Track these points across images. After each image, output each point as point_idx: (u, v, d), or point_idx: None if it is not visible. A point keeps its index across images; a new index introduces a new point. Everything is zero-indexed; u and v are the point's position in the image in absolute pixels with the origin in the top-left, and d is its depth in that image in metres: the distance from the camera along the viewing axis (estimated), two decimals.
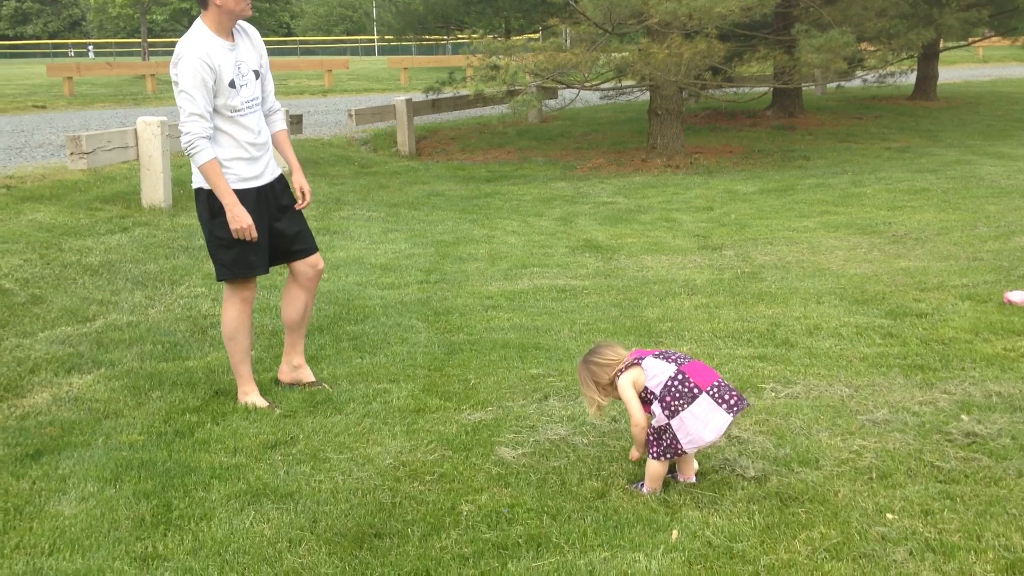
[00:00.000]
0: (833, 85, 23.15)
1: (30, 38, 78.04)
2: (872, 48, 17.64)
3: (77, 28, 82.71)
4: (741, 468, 3.80)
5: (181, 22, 52.52)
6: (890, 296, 6.45)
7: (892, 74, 19.39)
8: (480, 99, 16.64)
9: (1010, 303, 6.07)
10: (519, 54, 14.13)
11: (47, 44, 71.67)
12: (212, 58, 4.40)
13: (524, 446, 4.11)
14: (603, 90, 16.56)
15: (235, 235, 4.53)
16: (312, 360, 5.41)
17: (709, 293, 6.77)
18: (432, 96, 17.08)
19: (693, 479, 3.76)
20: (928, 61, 23.06)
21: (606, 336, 5.77)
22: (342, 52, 70.05)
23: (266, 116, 4.83)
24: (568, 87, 15.23)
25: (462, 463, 3.96)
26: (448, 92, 16.77)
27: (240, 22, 4.61)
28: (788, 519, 3.39)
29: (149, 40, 54.70)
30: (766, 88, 18.71)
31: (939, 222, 9.06)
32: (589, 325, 6.04)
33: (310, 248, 4.96)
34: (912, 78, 22.82)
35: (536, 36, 23.41)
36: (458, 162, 15.81)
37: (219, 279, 4.80)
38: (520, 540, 3.30)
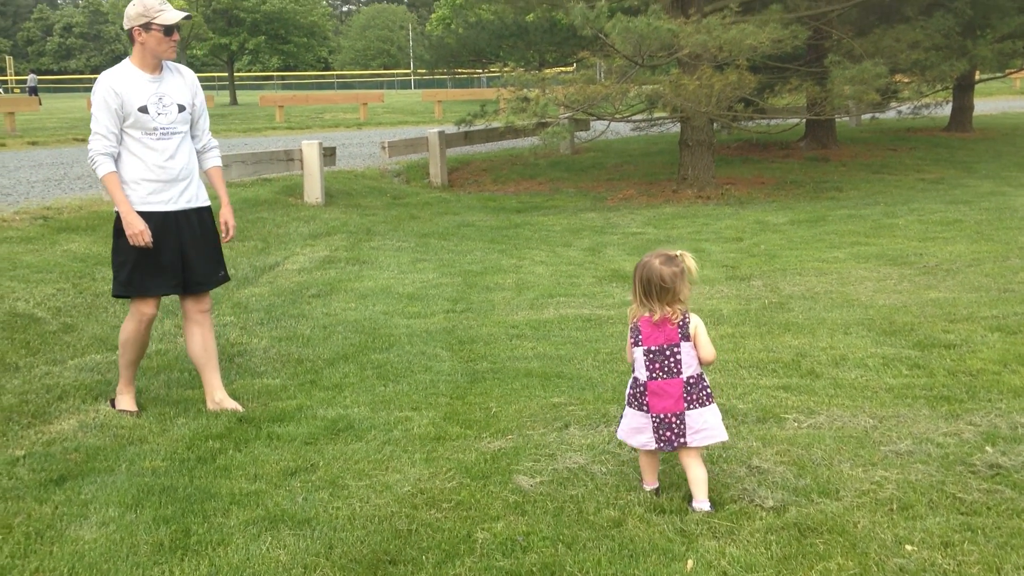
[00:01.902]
0: (868, 117, 23.06)
1: (73, 73, 79.53)
2: (906, 80, 17.57)
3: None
4: (760, 498, 3.77)
5: (220, 56, 53.34)
6: (918, 327, 6.38)
7: (927, 106, 19.33)
8: (511, 131, 16.73)
9: None
10: (550, 86, 14.21)
11: (90, 79, 73.00)
12: (120, 86, 4.86)
13: (542, 474, 4.11)
14: (634, 121, 16.60)
15: (130, 240, 4.87)
16: (336, 388, 5.46)
17: (735, 323, 6.74)
18: (464, 128, 17.20)
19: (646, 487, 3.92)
20: (963, 92, 22.92)
21: (629, 365, 5.76)
22: (379, 86, 70.87)
23: (201, 153, 5.26)
24: (599, 119, 15.28)
25: (480, 491, 3.95)
26: (480, 124, 16.88)
27: (178, 65, 5.14)
28: (805, 550, 3.36)
29: None
30: (798, 119, 18.67)
31: (971, 253, 8.98)
32: (613, 354, 6.03)
33: (206, 286, 5.24)
34: (947, 109, 22.70)
35: (569, 69, 23.55)
36: (489, 193, 15.88)
37: (114, 295, 5.19)
38: (534, 568, 3.29)
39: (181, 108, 5.03)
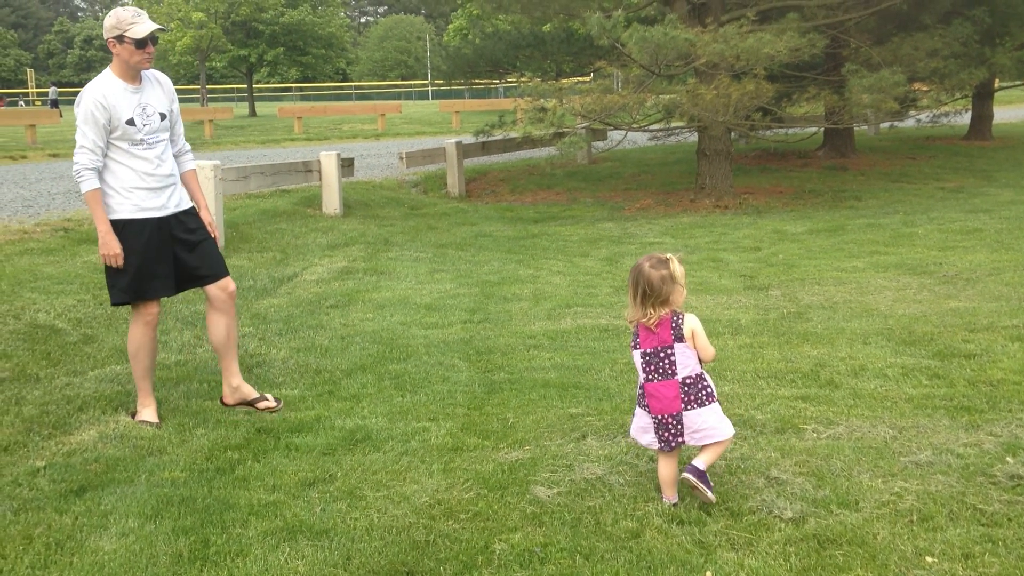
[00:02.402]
0: (886, 125, 23.01)
1: None
2: (925, 88, 17.51)
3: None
4: (779, 509, 3.76)
5: (239, 68, 53.65)
6: (938, 337, 6.35)
7: (946, 114, 19.22)
8: (528, 141, 16.76)
9: None
10: (567, 96, 14.23)
11: None
12: (108, 98, 4.93)
13: (560, 485, 4.10)
14: (651, 131, 16.60)
15: (104, 260, 5.00)
16: (354, 399, 5.47)
17: (753, 333, 6.72)
18: (482, 139, 17.24)
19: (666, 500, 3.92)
20: (983, 101, 22.83)
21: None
22: (396, 96, 71.14)
23: (177, 157, 5.37)
24: (616, 128, 15.29)
25: (497, 502, 3.95)
26: (497, 135, 16.92)
27: (155, 73, 5.24)
28: (825, 562, 3.35)
29: (208, 87, 55.95)
30: (816, 128, 18.63)
31: (991, 262, 8.92)
32: (630, 365, 6.01)
33: (219, 273, 5.36)
34: (967, 118, 22.58)
35: (586, 79, 23.57)
36: (507, 203, 15.91)
37: (113, 303, 5.19)
38: None
39: (163, 116, 5.17)
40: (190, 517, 3.87)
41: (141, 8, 5.30)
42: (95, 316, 7.33)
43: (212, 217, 5.48)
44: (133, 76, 5.06)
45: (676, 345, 3.85)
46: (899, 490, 3.90)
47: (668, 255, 3.93)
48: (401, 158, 16.02)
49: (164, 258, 5.13)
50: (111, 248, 4.96)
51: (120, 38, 4.95)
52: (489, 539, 3.61)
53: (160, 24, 5.18)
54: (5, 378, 5.84)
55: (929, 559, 3.32)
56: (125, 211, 5.03)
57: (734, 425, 4.65)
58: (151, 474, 4.41)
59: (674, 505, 3.88)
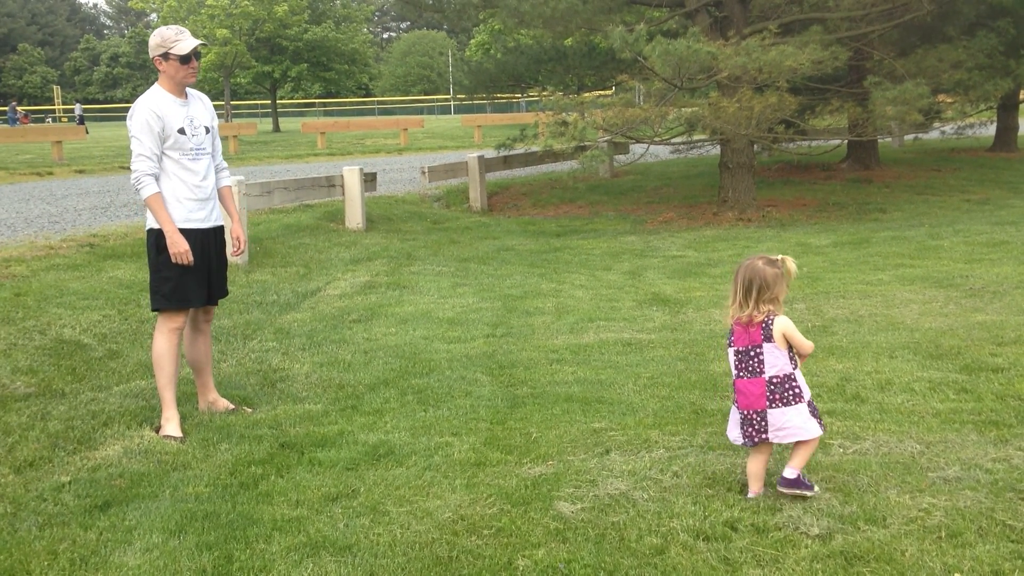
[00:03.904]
0: (911, 137, 22.89)
1: (119, 102, 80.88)
2: (949, 100, 17.42)
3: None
4: (805, 526, 3.72)
5: (263, 84, 54.02)
6: (965, 351, 6.29)
7: (971, 126, 19.12)
8: (550, 155, 16.76)
9: None
10: (588, 110, 14.23)
11: None
12: (160, 109, 5.16)
13: (583, 501, 4.08)
14: (674, 144, 16.57)
15: (174, 259, 5.16)
16: (376, 413, 5.47)
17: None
18: (504, 153, 17.27)
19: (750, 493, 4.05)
20: (1008, 112, 22.67)
21: (670, 390, 5.73)
22: (419, 111, 71.38)
23: (216, 172, 5.55)
24: (638, 142, 15.28)
25: (520, 517, 3.93)
26: (519, 149, 16.95)
27: (196, 92, 5.48)
28: None
29: (232, 103, 56.35)
30: (840, 141, 18.54)
31: (1018, 275, 8.84)
32: (654, 379, 6.00)
33: (222, 295, 5.64)
34: (992, 129, 22.45)
35: (608, 93, 23.57)
36: (529, 217, 15.91)
37: (154, 308, 5.38)
38: None
39: (207, 130, 5.42)
40: (214, 532, 3.88)
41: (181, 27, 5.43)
42: (120, 331, 7.37)
43: (242, 231, 5.71)
44: (180, 91, 5.30)
45: (765, 345, 3.98)
46: (927, 506, 3.86)
47: (778, 256, 4.07)
48: (423, 172, 16.07)
49: (203, 269, 5.36)
50: (180, 247, 5.15)
51: (166, 55, 5.20)
52: (512, 555, 3.59)
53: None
54: (31, 393, 5.88)
55: None
56: (175, 220, 5.22)
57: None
58: (175, 489, 4.42)
59: (750, 497, 4.01)
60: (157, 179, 5.18)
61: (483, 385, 6.03)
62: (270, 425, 5.32)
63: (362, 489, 4.32)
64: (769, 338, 3.97)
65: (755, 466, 4.08)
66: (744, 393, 4.02)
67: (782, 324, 3.99)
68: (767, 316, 3.99)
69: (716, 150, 16.74)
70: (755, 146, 15.40)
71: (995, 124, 22.53)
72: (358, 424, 5.29)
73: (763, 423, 3.97)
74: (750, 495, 4.06)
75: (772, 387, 3.96)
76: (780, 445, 4.17)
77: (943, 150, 22.78)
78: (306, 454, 4.82)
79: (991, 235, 11.29)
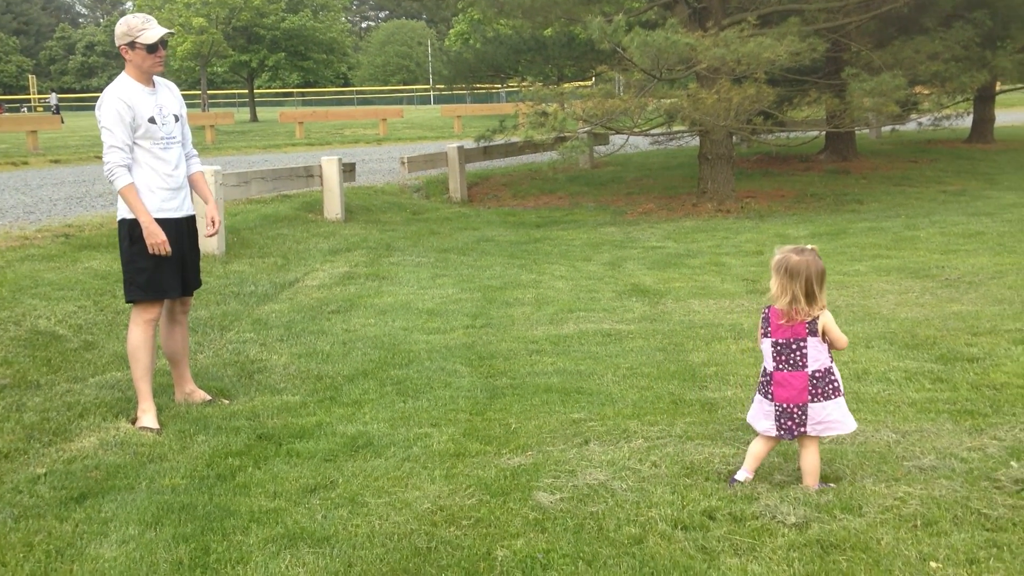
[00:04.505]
0: (888, 129, 23.02)
1: (95, 91, 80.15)
2: (926, 91, 17.51)
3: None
4: (782, 515, 3.74)
5: (240, 73, 53.68)
6: (941, 340, 6.33)
7: (947, 117, 19.24)
8: (530, 146, 16.75)
9: None
10: (568, 101, 14.22)
11: None
12: (130, 98, 5.10)
13: (563, 491, 4.08)
14: (653, 135, 16.59)
15: (151, 250, 5.10)
16: (355, 404, 5.46)
17: (755, 337, 6.68)
18: (483, 143, 17.22)
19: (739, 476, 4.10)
20: (984, 103, 22.81)
21: (649, 380, 5.74)
22: (398, 101, 71.15)
23: (186, 160, 5.49)
24: (618, 133, 15.29)
25: (499, 508, 3.94)
26: (499, 139, 16.92)
27: (164, 80, 5.41)
28: (828, 567, 3.33)
29: (209, 92, 55.99)
30: (818, 132, 18.61)
31: (994, 266, 8.91)
32: (633, 369, 6.01)
33: (196, 285, 5.60)
34: (968, 121, 22.59)
35: (588, 83, 23.55)
36: (509, 208, 15.89)
37: (129, 300, 5.32)
38: None
39: (176, 118, 5.37)
40: (191, 524, 3.86)
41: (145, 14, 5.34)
42: (96, 322, 7.32)
43: (217, 213, 5.63)
44: (147, 80, 5.25)
45: (809, 339, 3.96)
46: (903, 495, 3.88)
47: (809, 246, 4.08)
48: (403, 163, 16.02)
49: (176, 259, 5.30)
50: (157, 237, 5.10)
51: (132, 44, 5.14)
52: (491, 545, 3.59)
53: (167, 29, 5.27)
54: (6, 385, 5.83)
55: (933, 564, 3.30)
56: (148, 210, 5.17)
57: (735, 430, 4.66)
58: (152, 481, 4.39)
59: (741, 481, 4.05)
60: (130, 169, 5.14)
61: (462, 376, 6.02)
62: (247, 416, 5.29)
63: (340, 480, 4.31)
64: (814, 332, 3.95)
65: (761, 448, 4.10)
66: (784, 386, 3.97)
67: (827, 319, 3.97)
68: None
69: (695, 141, 16.77)
70: (734, 137, 15.43)
71: (971, 115, 22.67)
72: (336, 415, 5.28)
73: (803, 416, 3.95)
74: (739, 477, 4.08)
75: (815, 381, 3.94)
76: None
77: (920, 141, 22.90)
78: (284, 445, 4.80)
79: (967, 226, 11.37)
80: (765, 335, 4.06)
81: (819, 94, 14.68)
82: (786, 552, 3.45)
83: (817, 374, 3.95)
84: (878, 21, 16.06)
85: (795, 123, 16.51)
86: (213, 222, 5.57)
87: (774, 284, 3.99)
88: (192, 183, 5.56)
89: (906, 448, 4.43)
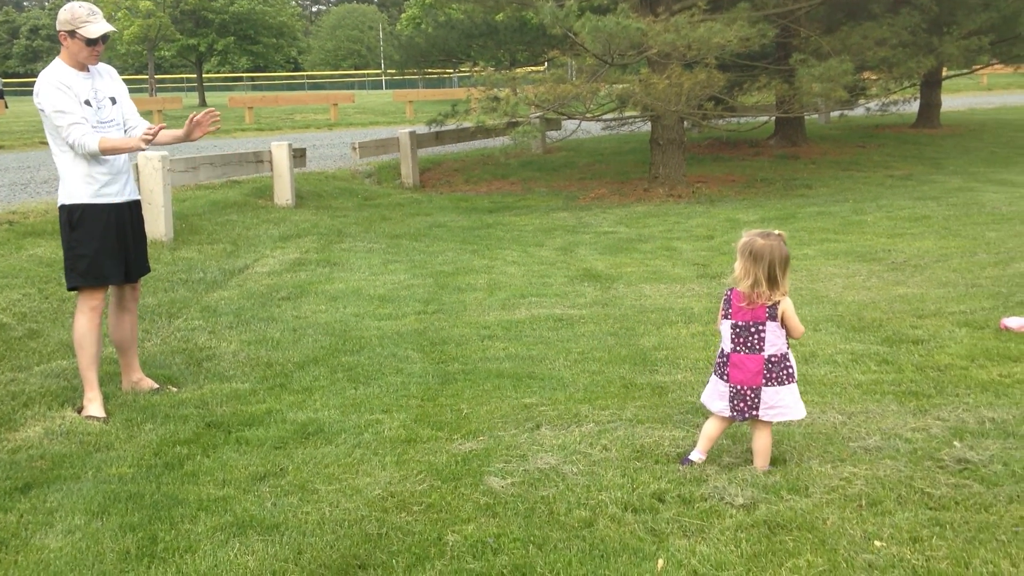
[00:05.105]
0: (836, 114, 23.25)
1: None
2: (874, 77, 17.69)
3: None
4: (730, 496, 3.78)
5: (189, 58, 52.95)
6: (887, 323, 6.43)
7: (895, 102, 19.46)
8: (482, 131, 16.69)
9: (1007, 329, 6.05)
10: (520, 86, 14.19)
11: None
12: (65, 81, 5.03)
13: (513, 475, 4.09)
14: (605, 121, 16.61)
15: (144, 136, 4.94)
16: (306, 391, 5.42)
17: (706, 321, 6.75)
18: (435, 128, 17.14)
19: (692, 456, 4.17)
20: (931, 89, 23.11)
21: (600, 365, 5.77)
22: (350, 86, 70.54)
23: (136, 128, 5.31)
24: (570, 118, 15.29)
25: (450, 493, 3.94)
26: (451, 124, 16.83)
27: (99, 64, 5.26)
28: (775, 547, 3.37)
29: (157, 76, 55.17)
30: (768, 117, 18.76)
31: (939, 249, 9.05)
32: (584, 354, 6.03)
33: (143, 272, 5.54)
34: (915, 106, 22.87)
35: (540, 69, 23.51)
36: (461, 193, 15.85)
37: (70, 287, 5.25)
38: (505, 570, 3.28)
39: (113, 100, 5.28)
40: (138, 513, 3.82)
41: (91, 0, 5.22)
42: (40, 310, 7.20)
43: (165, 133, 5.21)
44: (82, 65, 5.17)
45: (768, 323, 4.00)
46: (848, 475, 3.94)
47: (776, 231, 4.09)
48: (354, 148, 15.91)
49: (119, 245, 5.26)
50: (142, 136, 4.95)
51: (72, 33, 5.05)
52: (442, 531, 3.60)
53: (109, 21, 5.14)
54: None
55: (878, 543, 3.36)
56: (85, 196, 5.12)
57: (685, 413, 4.70)
58: (98, 470, 4.34)
59: (690, 463, 4.11)
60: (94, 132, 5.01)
61: (414, 362, 6.01)
62: (196, 404, 5.24)
63: (291, 468, 4.28)
64: (774, 317, 3.99)
65: (714, 429, 4.15)
66: (740, 368, 4.01)
67: (787, 305, 4.01)
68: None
69: (647, 127, 16.82)
70: (685, 123, 15.50)
71: (918, 101, 22.96)
72: (287, 402, 5.24)
73: (756, 400, 3.99)
74: (693, 458, 4.13)
75: (770, 365, 3.99)
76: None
77: (868, 126, 23.17)
78: (233, 433, 4.76)
79: (913, 210, 11.53)
80: (725, 316, 4.09)
81: (769, 80, 14.78)
82: (734, 533, 3.49)
83: (773, 358, 4.00)
84: (827, 7, 16.21)
85: (745, 108, 16.63)
86: (209, 115, 5.18)
87: (738, 266, 4.02)
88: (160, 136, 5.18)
89: (852, 429, 4.50)
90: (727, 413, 4.07)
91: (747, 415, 4.03)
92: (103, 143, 5.01)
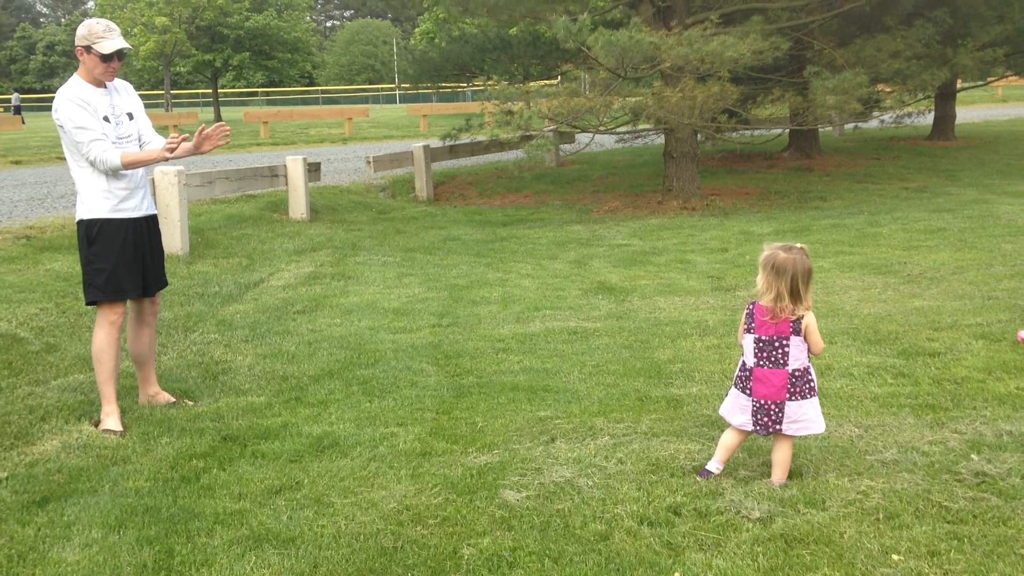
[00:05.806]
0: (850, 126, 23.21)
1: (56, 91, 79.27)
2: (888, 89, 17.66)
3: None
4: (746, 510, 3.77)
5: (204, 73, 53.25)
6: (903, 336, 6.40)
7: (909, 114, 19.39)
8: (496, 144, 16.74)
9: None
10: (534, 99, 14.22)
11: None
12: (84, 97, 5.09)
13: (529, 489, 4.09)
14: (618, 133, 16.63)
15: (168, 144, 5.04)
16: (321, 404, 5.44)
17: (721, 334, 6.74)
18: (449, 142, 17.19)
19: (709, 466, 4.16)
20: (945, 101, 23.05)
21: (615, 377, 5.76)
22: (364, 100, 70.80)
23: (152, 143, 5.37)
24: (583, 131, 15.31)
25: (466, 506, 3.94)
26: (465, 138, 16.88)
27: (116, 80, 5.34)
28: (792, 561, 3.36)
29: (172, 92, 55.49)
30: (781, 130, 18.74)
31: (955, 261, 9.02)
32: (599, 367, 6.03)
33: (161, 286, 5.57)
34: (930, 118, 22.81)
35: (553, 82, 23.57)
36: (475, 207, 15.88)
37: (89, 301, 5.28)
38: None
39: (131, 116, 5.33)
40: (154, 527, 3.83)
41: (105, 14, 5.22)
42: (58, 325, 7.25)
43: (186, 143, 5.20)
44: (99, 81, 5.21)
45: (792, 338, 4.00)
46: (865, 488, 3.92)
47: (798, 244, 4.07)
48: (368, 162, 15.96)
49: (137, 259, 5.28)
50: (166, 146, 5.04)
51: (88, 48, 5.11)
52: (458, 544, 3.60)
53: (125, 37, 5.20)
54: None
55: (895, 557, 3.34)
56: (104, 211, 5.16)
57: (700, 426, 4.69)
58: (115, 484, 4.35)
59: (708, 475, 4.10)
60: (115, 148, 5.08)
61: (429, 375, 6.01)
62: (212, 418, 5.26)
63: (306, 481, 4.29)
64: (798, 331, 3.99)
65: (733, 440, 4.14)
66: (764, 382, 4.00)
67: (810, 319, 4.02)
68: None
69: (660, 139, 16.84)
70: (698, 135, 15.51)
71: (933, 113, 22.90)
72: (302, 416, 5.25)
73: (780, 414, 3.99)
74: (711, 468, 4.12)
75: (794, 380, 3.99)
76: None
77: (882, 139, 23.12)
78: (249, 447, 4.77)
79: (928, 222, 11.49)
80: (748, 330, 4.07)
81: (782, 92, 14.79)
82: (750, 546, 3.48)
83: (797, 373, 4.00)
84: (840, 19, 16.19)
85: (759, 121, 16.64)
86: (217, 129, 5.20)
87: (760, 280, 4.01)
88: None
89: (868, 442, 4.48)
90: (749, 427, 4.06)
91: (770, 429, 4.03)
92: (125, 157, 5.07)
